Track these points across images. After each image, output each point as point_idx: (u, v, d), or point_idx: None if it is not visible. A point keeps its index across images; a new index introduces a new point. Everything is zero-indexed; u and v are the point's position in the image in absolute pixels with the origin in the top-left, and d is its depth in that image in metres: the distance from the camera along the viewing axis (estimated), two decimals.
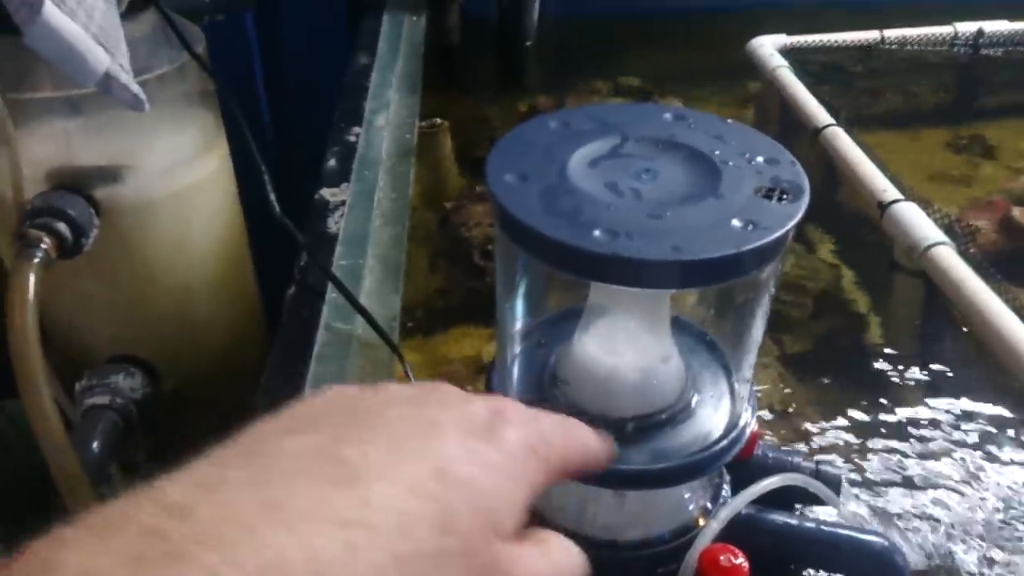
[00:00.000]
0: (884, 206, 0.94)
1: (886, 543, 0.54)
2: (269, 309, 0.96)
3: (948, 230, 0.90)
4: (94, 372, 0.88)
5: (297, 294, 0.68)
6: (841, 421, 0.83)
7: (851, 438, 0.82)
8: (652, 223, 0.40)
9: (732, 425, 0.49)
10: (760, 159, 0.44)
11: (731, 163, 0.44)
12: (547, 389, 0.50)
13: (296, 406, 0.30)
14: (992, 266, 0.84)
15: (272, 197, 0.75)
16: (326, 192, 0.79)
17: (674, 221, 0.40)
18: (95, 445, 0.82)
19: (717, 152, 0.45)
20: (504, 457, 0.30)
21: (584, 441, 0.37)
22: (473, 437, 0.30)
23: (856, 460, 0.80)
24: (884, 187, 0.97)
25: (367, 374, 0.63)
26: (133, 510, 0.23)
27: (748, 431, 0.50)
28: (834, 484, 0.58)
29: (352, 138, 0.88)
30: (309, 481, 0.25)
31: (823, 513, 0.61)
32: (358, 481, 0.26)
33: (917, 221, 0.90)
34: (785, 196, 0.42)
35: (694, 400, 0.50)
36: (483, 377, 0.89)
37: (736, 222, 0.40)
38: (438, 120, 1.13)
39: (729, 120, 0.48)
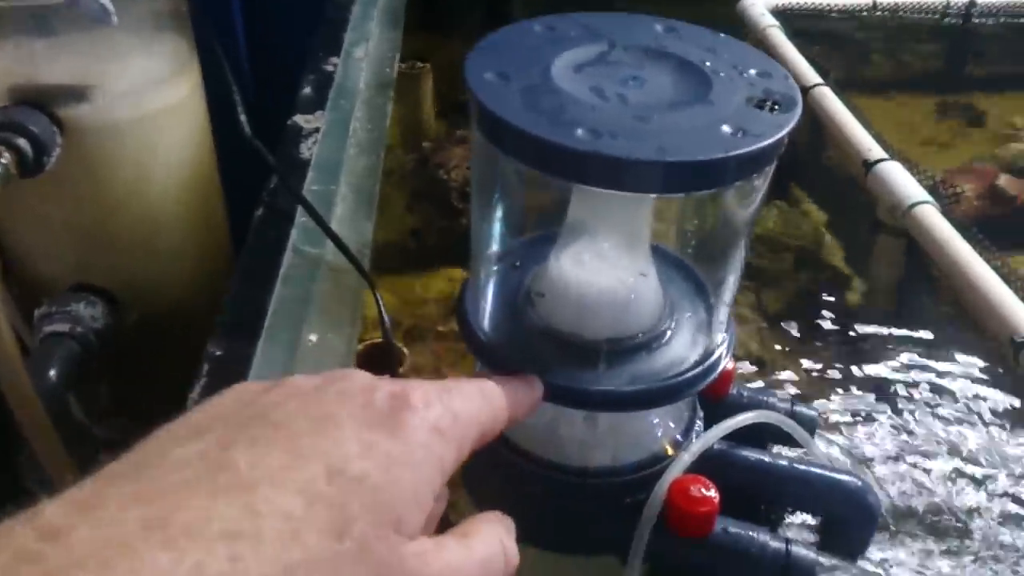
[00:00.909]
0: (869, 165, 0.93)
1: (859, 482, 0.53)
2: (237, 240, 0.93)
3: (932, 191, 0.89)
4: (54, 300, 0.85)
5: (265, 216, 0.65)
6: (817, 374, 0.82)
7: (827, 390, 0.81)
8: (637, 125, 0.38)
9: (707, 353, 0.48)
10: (752, 72, 0.43)
11: (722, 74, 0.42)
12: (521, 308, 0.48)
13: (193, 410, 0.29)
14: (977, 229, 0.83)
15: (243, 118, 0.72)
16: (300, 119, 0.77)
17: (661, 124, 0.38)
18: (52, 373, 0.80)
19: (708, 63, 0.43)
20: (404, 446, 0.28)
21: (502, 403, 0.35)
22: (371, 429, 0.28)
23: (831, 411, 0.79)
24: (869, 146, 0.95)
25: (335, 300, 0.60)
26: (8, 534, 0.21)
27: (723, 361, 0.48)
28: (808, 425, 0.56)
29: (329, 68, 0.85)
30: (194, 492, 0.24)
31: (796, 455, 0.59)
32: (245, 488, 0.24)
33: (901, 180, 0.89)
34: (777, 107, 0.40)
35: (670, 327, 0.49)
36: (453, 318, 0.87)
37: (726, 128, 0.38)
38: (419, 62, 1.11)
39: (722, 35, 0.46)
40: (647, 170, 0.36)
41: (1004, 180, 1.03)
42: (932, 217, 0.83)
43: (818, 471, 0.53)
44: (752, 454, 0.53)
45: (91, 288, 0.88)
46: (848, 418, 0.78)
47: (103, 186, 0.84)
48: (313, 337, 0.56)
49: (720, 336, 0.48)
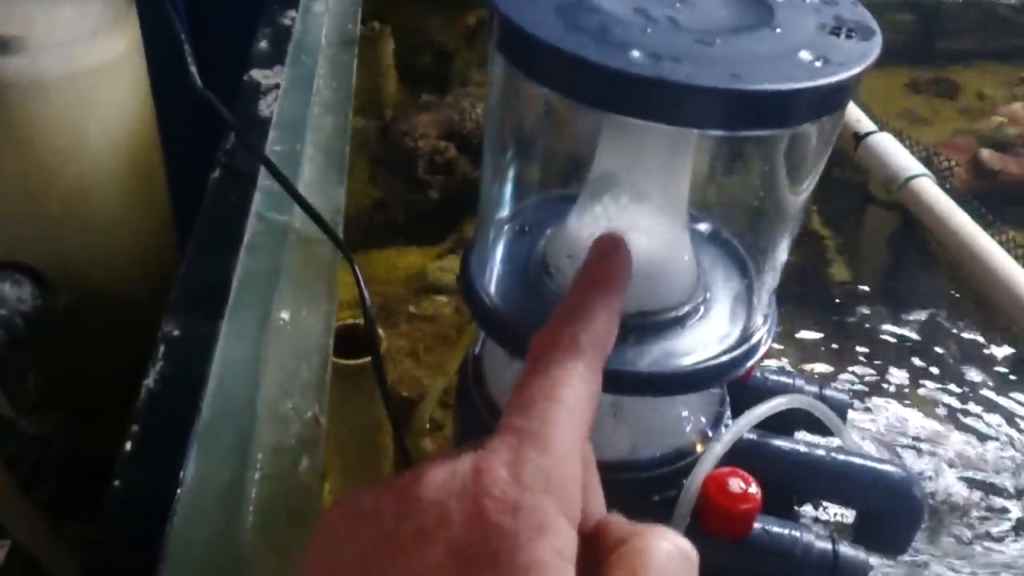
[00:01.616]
0: (860, 137, 0.89)
1: (904, 473, 0.48)
2: (180, 211, 0.84)
3: (927, 163, 0.85)
4: None
5: (222, 178, 0.57)
6: (809, 351, 0.78)
7: (822, 368, 0.77)
8: (701, 48, 0.31)
9: (748, 333, 0.42)
10: None
11: (781, 0, 0.36)
12: (534, 275, 0.42)
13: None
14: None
15: (193, 70, 0.64)
16: (257, 73, 0.68)
17: (727, 49, 0.32)
18: None
19: None
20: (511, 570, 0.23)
21: (595, 383, 0.29)
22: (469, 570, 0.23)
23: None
24: (858, 117, 0.91)
25: (308, 273, 0.53)
26: None
27: (765, 345, 0.42)
28: (840, 410, 0.51)
29: (287, 21, 0.76)
30: None
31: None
32: None
33: (895, 152, 0.85)
34: (854, 34, 0.34)
35: (704, 302, 0.42)
36: (427, 298, 0.81)
37: (805, 54, 0.32)
38: (377, 24, 1.03)
39: None
40: (720, 101, 0.30)
41: (986, 154, 1.00)
42: (931, 190, 0.79)
43: (859, 461, 0.48)
44: (785, 443, 0.48)
45: (17, 266, 0.79)
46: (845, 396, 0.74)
47: (29, 150, 0.75)
48: (285, 314, 0.49)
49: (763, 314, 0.42)
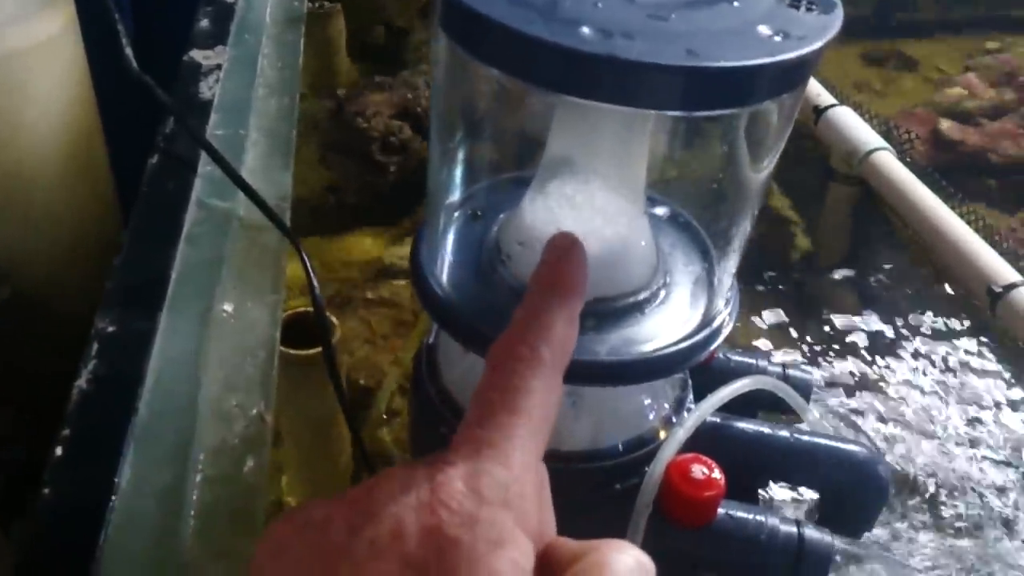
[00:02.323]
0: (820, 111, 0.88)
1: (868, 452, 0.47)
2: (124, 198, 0.81)
3: (886, 136, 0.85)
4: None
5: (160, 164, 0.55)
6: (772, 328, 0.77)
7: (783, 344, 0.76)
8: (656, 24, 0.30)
9: (709, 319, 0.40)
10: None
11: None
12: (487, 263, 0.40)
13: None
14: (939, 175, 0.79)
15: (128, 51, 0.61)
16: (197, 54, 0.65)
17: (684, 24, 0.30)
18: None
19: None
20: None
21: (551, 406, 0.28)
22: None
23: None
24: (818, 91, 0.90)
25: (252, 262, 0.51)
26: None
27: (727, 329, 0.41)
28: (804, 390, 0.50)
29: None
30: None
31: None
32: None
33: (855, 126, 0.84)
34: (813, 7, 0.33)
35: (665, 287, 0.41)
36: (384, 282, 0.79)
37: (763, 29, 0.30)
38: (327, 1, 1.00)
39: None
40: (675, 79, 0.28)
41: (946, 125, 0.99)
42: (891, 164, 0.79)
43: (823, 442, 0.47)
44: (749, 426, 0.47)
45: None
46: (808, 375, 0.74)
47: None
48: (228, 307, 0.47)
49: (724, 297, 0.40)
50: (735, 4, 0.32)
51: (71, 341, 0.59)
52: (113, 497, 0.36)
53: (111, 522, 0.35)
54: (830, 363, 0.75)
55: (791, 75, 0.30)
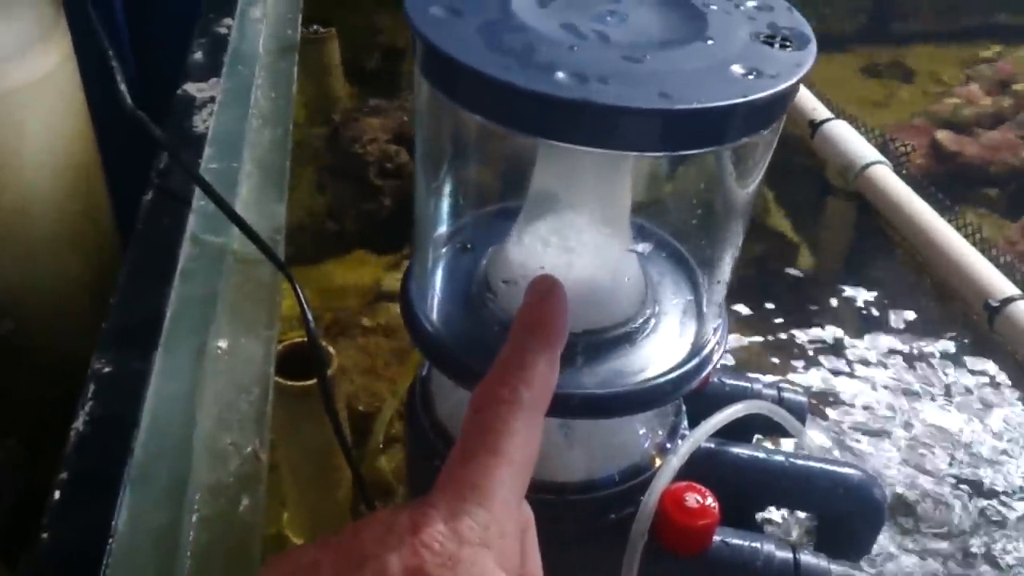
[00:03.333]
0: (815, 125, 0.88)
1: (863, 475, 0.47)
2: (125, 232, 0.82)
3: (883, 149, 0.85)
4: None
5: (155, 200, 0.55)
6: (771, 344, 0.77)
7: (783, 359, 0.76)
8: (630, 66, 0.30)
9: (700, 345, 0.41)
10: (750, 4, 0.35)
11: (714, 7, 0.35)
12: (476, 297, 0.40)
13: None
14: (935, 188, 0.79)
15: (123, 87, 0.62)
16: (192, 87, 0.66)
17: (658, 65, 0.30)
18: None
19: None
20: None
21: (533, 444, 0.28)
22: None
23: (791, 382, 0.74)
24: (813, 105, 0.90)
25: (246, 297, 0.51)
26: None
27: (717, 355, 0.41)
28: (798, 412, 0.50)
29: (223, 30, 0.74)
30: None
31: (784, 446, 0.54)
32: None
33: (851, 140, 0.84)
34: (788, 44, 0.33)
35: (654, 315, 0.41)
36: (382, 308, 0.80)
37: (737, 68, 0.31)
38: (322, 27, 1.01)
39: None
40: (649, 122, 0.29)
41: (943, 136, 0.99)
42: (887, 178, 0.79)
43: (818, 465, 0.47)
44: (744, 451, 0.47)
45: None
46: (809, 386, 0.74)
47: None
48: (223, 343, 0.47)
49: (713, 324, 0.41)
50: (709, 43, 0.32)
51: (72, 372, 0.60)
52: (110, 540, 0.36)
53: (109, 565, 0.36)
54: (829, 378, 0.75)
55: (765, 113, 0.31)
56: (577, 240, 0.38)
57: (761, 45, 0.32)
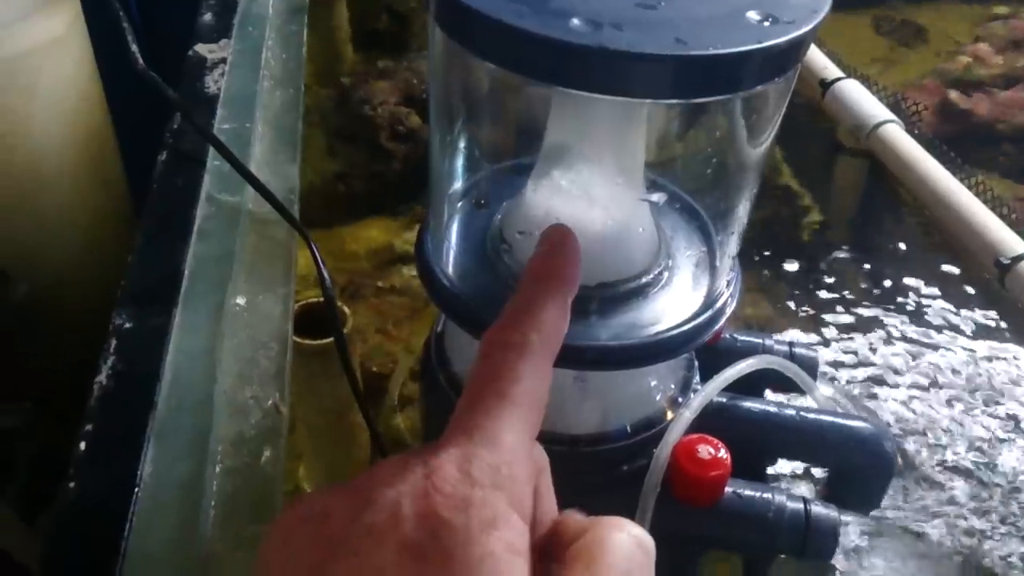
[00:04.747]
0: (827, 84, 0.87)
1: (874, 428, 0.47)
2: (137, 194, 0.82)
3: (894, 108, 0.84)
4: None
5: (169, 160, 0.55)
6: (783, 307, 0.78)
7: (795, 322, 0.76)
8: (644, 13, 0.30)
9: (711, 300, 0.41)
10: None
11: None
12: (492, 252, 0.41)
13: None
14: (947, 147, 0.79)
15: (134, 47, 0.62)
16: (202, 48, 0.66)
17: (672, 11, 0.30)
18: None
19: None
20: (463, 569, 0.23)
21: (544, 379, 0.29)
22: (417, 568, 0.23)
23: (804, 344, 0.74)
24: (824, 64, 0.90)
25: (263, 256, 0.52)
26: None
27: (730, 309, 0.42)
28: (810, 368, 0.51)
29: None
30: None
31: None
32: None
33: (863, 99, 0.84)
34: None
35: (667, 268, 0.42)
36: (395, 270, 0.80)
37: (752, 14, 0.30)
38: None
39: None
40: (665, 68, 0.29)
41: (954, 96, 0.99)
42: (899, 137, 0.78)
43: (830, 419, 0.47)
44: (756, 405, 0.47)
45: None
46: (823, 349, 0.74)
47: None
48: (241, 300, 0.47)
49: (726, 278, 0.41)
50: None
51: (86, 337, 0.60)
52: (136, 490, 0.37)
53: (135, 514, 0.36)
54: (840, 339, 0.76)
55: (781, 60, 0.31)
56: (591, 191, 0.39)
57: None
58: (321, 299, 0.64)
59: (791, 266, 0.82)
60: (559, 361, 0.37)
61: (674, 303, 0.41)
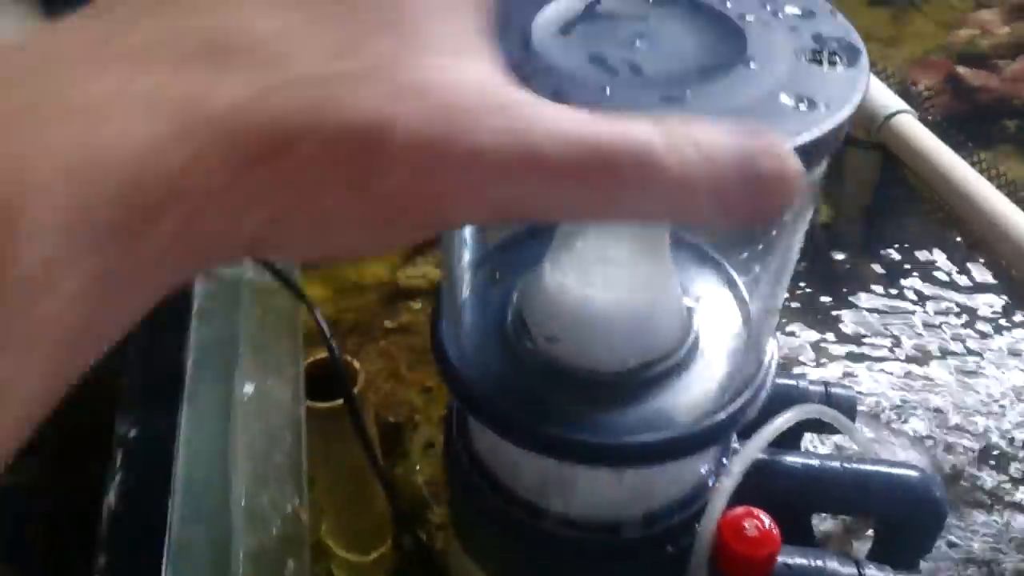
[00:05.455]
0: None
1: (921, 474, 0.45)
2: None
3: (903, 94, 0.81)
4: None
5: None
6: (796, 305, 0.75)
7: (809, 321, 0.74)
8: (670, 108, 0.27)
9: (751, 372, 0.38)
10: (790, 9, 0.32)
11: (750, 17, 0.32)
12: (511, 339, 0.38)
13: None
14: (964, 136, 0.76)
15: None
16: None
17: (701, 102, 0.28)
18: None
19: (729, 3, 0.32)
20: None
21: None
22: None
23: (820, 344, 0.72)
24: None
25: (268, 331, 0.49)
26: None
27: (770, 377, 0.39)
28: (848, 409, 0.49)
29: None
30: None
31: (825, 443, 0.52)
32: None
33: (873, 88, 0.80)
34: (838, 58, 0.30)
35: (698, 341, 0.39)
36: (402, 307, 0.78)
37: (785, 98, 0.28)
38: None
39: None
40: None
41: (962, 71, 0.95)
42: (913, 128, 0.75)
43: (874, 468, 0.45)
44: (796, 459, 0.45)
45: None
46: (839, 348, 0.72)
47: None
48: (249, 388, 0.45)
49: (769, 346, 0.39)
50: (752, 66, 0.29)
51: (99, 388, 0.58)
52: None
53: None
54: (856, 331, 0.73)
55: (822, 148, 0.28)
56: (614, 269, 0.36)
57: (809, 64, 0.30)
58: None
59: (799, 266, 0.79)
60: (601, 460, 0.35)
61: (711, 379, 0.38)
